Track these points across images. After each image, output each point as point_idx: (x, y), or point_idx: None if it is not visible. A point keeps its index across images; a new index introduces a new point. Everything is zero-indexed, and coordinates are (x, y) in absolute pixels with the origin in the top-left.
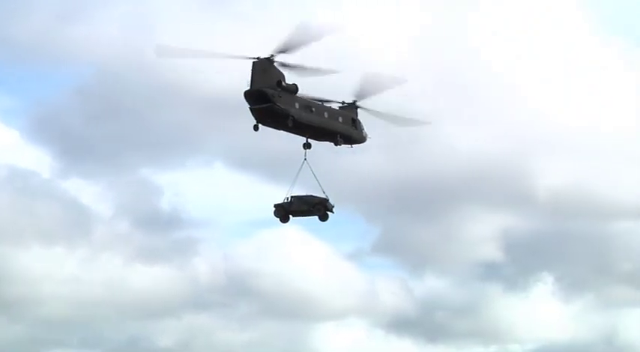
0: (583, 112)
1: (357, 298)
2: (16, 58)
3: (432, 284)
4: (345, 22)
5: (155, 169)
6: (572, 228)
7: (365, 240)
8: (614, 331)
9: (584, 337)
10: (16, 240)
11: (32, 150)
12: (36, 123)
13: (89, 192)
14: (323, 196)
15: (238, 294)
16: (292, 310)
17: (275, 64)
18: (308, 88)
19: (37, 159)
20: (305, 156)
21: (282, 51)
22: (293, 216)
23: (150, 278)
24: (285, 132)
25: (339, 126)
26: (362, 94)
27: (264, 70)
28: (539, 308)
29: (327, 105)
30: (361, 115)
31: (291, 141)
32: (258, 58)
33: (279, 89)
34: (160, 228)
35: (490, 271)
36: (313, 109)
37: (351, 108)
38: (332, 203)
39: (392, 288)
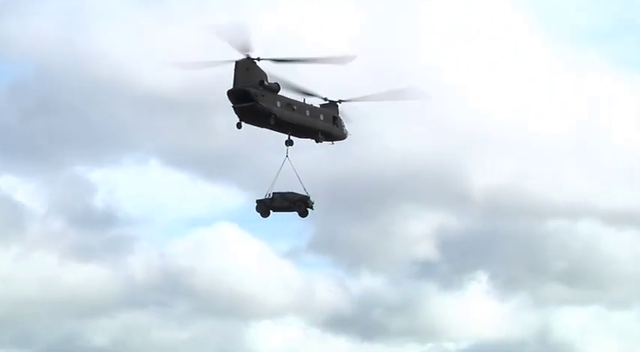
0: (518, 111)
1: (294, 296)
2: None
3: (368, 283)
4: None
5: (89, 166)
6: (507, 226)
7: (301, 239)
8: (547, 329)
9: (518, 335)
10: None
11: None
12: None
13: (22, 189)
14: (303, 193)
15: (174, 293)
16: (228, 308)
17: (257, 63)
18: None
19: None
20: (287, 153)
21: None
22: (273, 211)
23: (84, 276)
24: (266, 130)
25: (320, 123)
26: None
27: (246, 69)
28: (473, 306)
29: (309, 103)
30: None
31: (226, 139)
32: (245, 57)
33: (262, 88)
34: (94, 226)
35: (425, 269)
36: (295, 107)
37: (332, 106)
38: (312, 200)
39: (328, 287)
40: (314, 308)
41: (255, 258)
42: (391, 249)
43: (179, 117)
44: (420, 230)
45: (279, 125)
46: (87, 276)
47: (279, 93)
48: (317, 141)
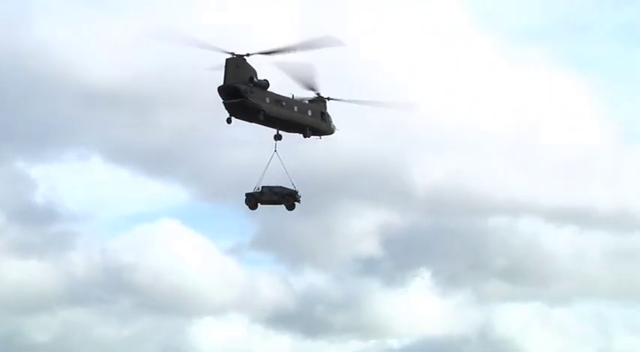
0: (460, 109)
1: (237, 293)
2: None
3: (312, 280)
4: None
5: (30, 162)
6: (449, 224)
7: (244, 235)
8: (489, 325)
9: (460, 331)
10: None
11: None
12: None
13: None
14: (291, 188)
15: (116, 289)
16: (171, 305)
17: (247, 60)
18: None
19: None
20: (275, 147)
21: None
22: (262, 204)
23: (25, 272)
24: (256, 125)
25: (308, 119)
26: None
27: (237, 66)
28: (416, 302)
29: (298, 99)
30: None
31: (169, 136)
32: (232, 55)
33: (251, 85)
34: (35, 222)
35: (369, 266)
36: (284, 103)
37: (320, 102)
38: (300, 194)
39: (271, 283)
40: (257, 305)
41: (198, 255)
42: (334, 246)
43: (121, 113)
44: (363, 227)
45: (268, 120)
46: (28, 273)
47: (269, 90)
48: (305, 136)
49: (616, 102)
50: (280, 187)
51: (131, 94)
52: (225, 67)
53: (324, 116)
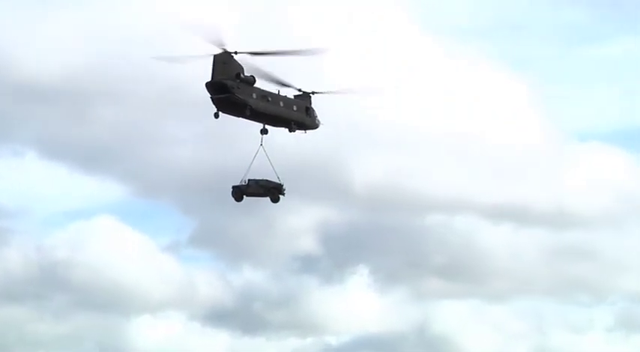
0: (398, 107)
1: (174, 291)
2: None
3: (250, 277)
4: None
5: None
6: (388, 221)
7: (182, 232)
8: (426, 322)
9: (398, 328)
10: None
11: None
12: None
13: None
14: (277, 181)
15: (52, 286)
16: (108, 302)
17: (235, 57)
18: None
19: None
20: (261, 141)
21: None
22: (247, 196)
23: None
24: (243, 120)
25: (293, 114)
26: None
27: (224, 62)
28: (354, 300)
29: (283, 94)
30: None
31: (105, 132)
32: (222, 51)
33: (238, 80)
34: None
35: (307, 264)
36: (269, 99)
37: (305, 97)
38: (284, 188)
39: (209, 281)
40: (195, 303)
41: (135, 252)
42: (273, 243)
43: (57, 109)
44: (301, 224)
45: (254, 115)
46: None
47: (255, 86)
48: (290, 131)
49: (554, 102)
50: (266, 180)
51: (67, 90)
52: (213, 63)
53: (309, 111)
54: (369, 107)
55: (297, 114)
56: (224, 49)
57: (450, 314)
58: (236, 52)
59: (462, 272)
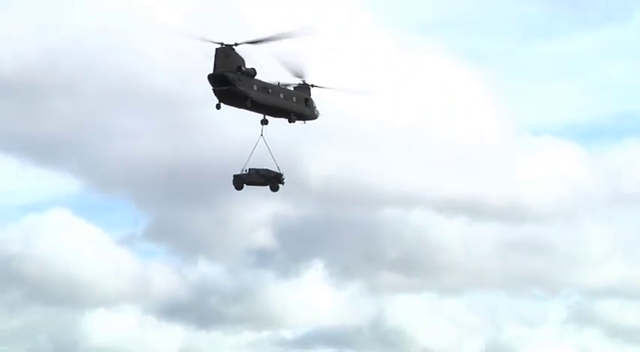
0: (353, 100)
1: (129, 284)
2: None
3: (205, 271)
4: None
5: None
6: (343, 215)
7: (137, 226)
8: (381, 316)
9: (353, 322)
10: None
11: None
12: None
13: None
14: (277, 171)
15: (5, 280)
16: (62, 296)
17: (236, 50)
18: None
19: None
20: (262, 132)
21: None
22: (247, 185)
23: None
24: (244, 111)
25: (293, 105)
26: None
27: (225, 55)
28: (310, 294)
29: (283, 86)
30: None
31: (58, 125)
32: (221, 45)
33: (239, 73)
34: None
35: (262, 258)
36: (270, 91)
37: (304, 88)
38: (284, 177)
39: (164, 274)
40: (150, 296)
41: (89, 245)
42: (228, 237)
43: (10, 101)
44: (257, 218)
45: (255, 107)
46: None
47: (256, 78)
48: (290, 121)
49: (508, 96)
50: (266, 170)
51: (20, 82)
52: (215, 56)
53: (308, 102)
54: (323, 101)
55: (296, 105)
56: (222, 43)
57: (405, 307)
58: (236, 44)
59: (416, 266)
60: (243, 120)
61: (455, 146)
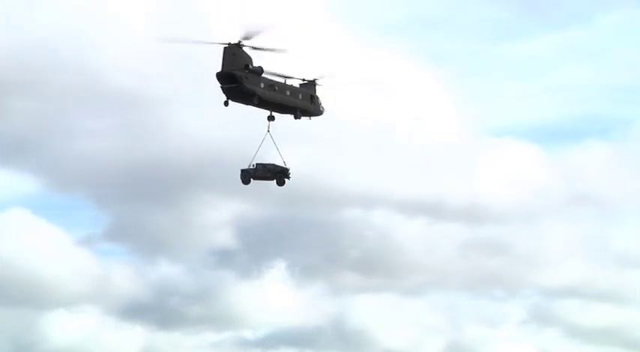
0: None
1: (89, 285)
2: None
3: (166, 271)
4: None
5: None
6: (304, 215)
7: (97, 226)
8: (343, 316)
9: (314, 322)
10: None
11: None
12: None
13: None
14: (283, 166)
15: None
16: (21, 296)
17: (243, 48)
18: None
19: None
20: (268, 128)
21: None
22: (254, 180)
23: None
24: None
25: (298, 102)
26: None
27: (233, 54)
28: (271, 294)
29: (289, 83)
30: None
31: (18, 124)
32: (229, 44)
33: (247, 71)
34: None
35: (224, 258)
36: (276, 88)
37: (310, 85)
38: (290, 172)
39: (125, 275)
40: (110, 297)
41: (49, 245)
42: (189, 237)
43: None
44: (217, 219)
45: (262, 103)
46: None
47: (263, 75)
48: (295, 117)
49: (469, 97)
50: (273, 165)
51: None
52: (223, 54)
53: (314, 99)
54: None
55: (302, 102)
56: (230, 43)
57: (366, 308)
58: (244, 45)
59: (377, 267)
60: (209, 119)
61: (416, 147)
